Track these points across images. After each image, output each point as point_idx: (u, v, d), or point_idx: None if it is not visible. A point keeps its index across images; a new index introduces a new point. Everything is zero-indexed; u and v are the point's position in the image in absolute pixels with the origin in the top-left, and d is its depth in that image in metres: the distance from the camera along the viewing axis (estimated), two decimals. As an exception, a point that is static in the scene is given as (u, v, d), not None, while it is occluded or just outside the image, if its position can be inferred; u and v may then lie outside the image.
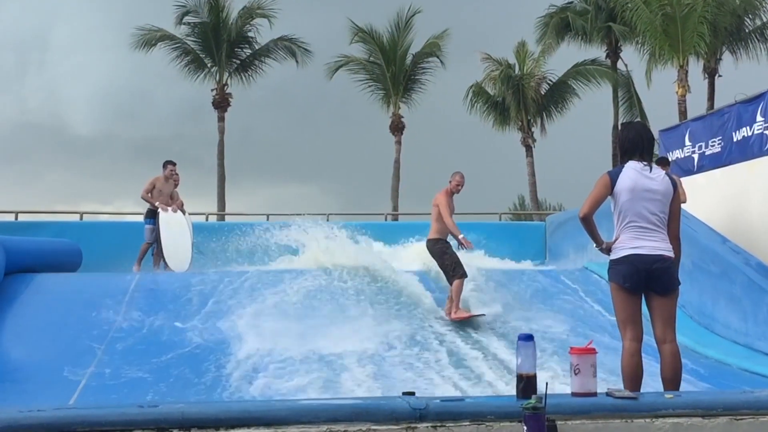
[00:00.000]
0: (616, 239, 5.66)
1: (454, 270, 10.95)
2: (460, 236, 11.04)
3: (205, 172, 44.52)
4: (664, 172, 5.78)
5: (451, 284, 11.01)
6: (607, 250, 5.71)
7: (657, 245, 5.55)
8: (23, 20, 52.75)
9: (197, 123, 48.59)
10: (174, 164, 14.83)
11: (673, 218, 5.70)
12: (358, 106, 42.62)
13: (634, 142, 5.77)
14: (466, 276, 11.05)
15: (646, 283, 5.53)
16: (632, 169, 5.66)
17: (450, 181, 11.46)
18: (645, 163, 5.70)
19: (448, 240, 11.25)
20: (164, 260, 14.28)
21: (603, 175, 5.75)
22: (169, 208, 14.48)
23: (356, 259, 12.62)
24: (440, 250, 11.16)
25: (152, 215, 14.47)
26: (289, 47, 30.45)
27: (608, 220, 5.81)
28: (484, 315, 10.90)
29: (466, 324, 10.94)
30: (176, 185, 15.08)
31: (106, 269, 14.24)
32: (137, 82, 48.53)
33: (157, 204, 14.38)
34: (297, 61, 30.44)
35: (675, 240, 5.70)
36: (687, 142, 14.86)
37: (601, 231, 5.81)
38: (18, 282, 11.68)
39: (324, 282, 12.05)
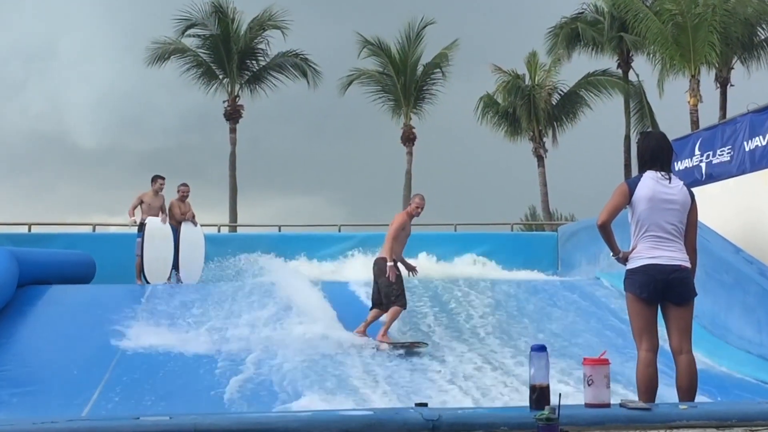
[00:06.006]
0: (633, 249, 5.63)
1: (397, 297, 10.39)
2: (389, 264, 10.46)
3: (212, 183, 44.63)
4: (681, 182, 5.75)
5: (386, 309, 10.44)
6: (624, 260, 5.68)
7: (674, 255, 5.52)
8: (32, 30, 53.08)
9: (205, 134, 48.73)
10: (163, 178, 14.85)
11: (690, 229, 5.67)
12: (368, 117, 42.69)
13: (654, 152, 5.73)
14: (406, 308, 10.63)
15: (662, 293, 5.49)
16: (651, 179, 5.63)
17: (410, 203, 11.10)
18: (664, 173, 5.67)
19: (398, 264, 10.73)
20: (144, 275, 14.37)
21: (621, 184, 5.73)
22: (157, 218, 14.54)
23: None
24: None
25: (142, 229, 14.52)
26: (300, 65, 30.50)
27: (622, 229, 5.79)
28: (408, 346, 10.24)
29: (477, 334, 10.92)
30: (186, 197, 15.11)
31: (119, 280, 14.29)
32: (144, 92, 48.81)
33: (135, 219, 14.48)
34: (308, 82, 30.53)
35: (692, 251, 5.67)
36: (696, 152, 14.81)
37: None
38: (32, 293, 11.73)
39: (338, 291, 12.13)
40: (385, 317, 10.46)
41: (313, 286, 12.50)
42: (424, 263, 15.16)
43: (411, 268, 11.12)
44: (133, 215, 14.63)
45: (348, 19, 49.55)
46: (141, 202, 14.64)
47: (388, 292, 10.39)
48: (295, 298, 11.65)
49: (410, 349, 10.17)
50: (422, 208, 10.90)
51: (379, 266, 10.63)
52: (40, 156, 53.41)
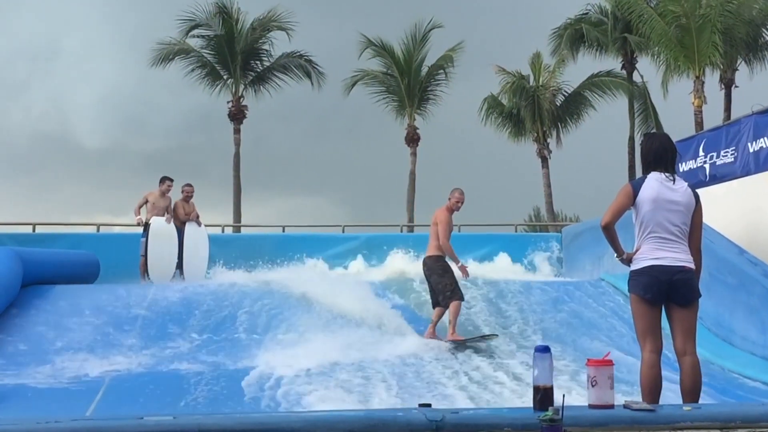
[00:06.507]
0: (637, 250, 5.63)
1: (452, 291, 10.47)
2: (459, 264, 10.66)
3: (215, 183, 44.66)
4: (686, 183, 5.74)
5: (445, 306, 10.54)
6: (628, 261, 5.67)
7: (678, 256, 5.52)
8: (35, 31, 53.19)
9: (208, 134, 48.73)
10: (171, 180, 14.87)
11: (695, 230, 5.67)
12: (372, 118, 42.71)
13: (658, 153, 5.73)
14: (464, 299, 10.69)
15: (666, 294, 5.49)
16: (655, 180, 5.63)
17: (449, 198, 10.96)
18: (668, 174, 5.66)
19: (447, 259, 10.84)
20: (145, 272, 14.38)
21: (625, 185, 5.73)
22: (162, 218, 14.56)
23: None
24: (442, 269, 10.66)
25: (147, 229, 14.54)
26: (305, 66, 30.51)
27: (626, 231, 5.78)
28: (480, 340, 10.46)
29: (478, 334, 10.91)
30: (190, 197, 15.14)
31: (123, 280, 14.30)
32: (147, 92, 48.89)
33: (141, 219, 14.52)
34: (312, 83, 30.53)
35: (697, 252, 5.66)
36: (700, 153, 14.80)
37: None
38: (35, 293, 11.74)
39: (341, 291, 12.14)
40: (448, 315, 10.53)
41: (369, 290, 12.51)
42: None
43: (463, 270, 11.06)
44: (139, 214, 14.66)
45: (352, 20, 49.55)
46: (146, 201, 14.67)
47: (442, 289, 10.53)
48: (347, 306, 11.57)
49: (483, 341, 10.37)
50: (462, 203, 10.90)
51: (428, 265, 10.75)
52: (44, 156, 53.52)
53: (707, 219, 6.61)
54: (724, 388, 8.42)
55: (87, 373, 9.16)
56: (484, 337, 10.53)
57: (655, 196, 5.57)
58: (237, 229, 24.52)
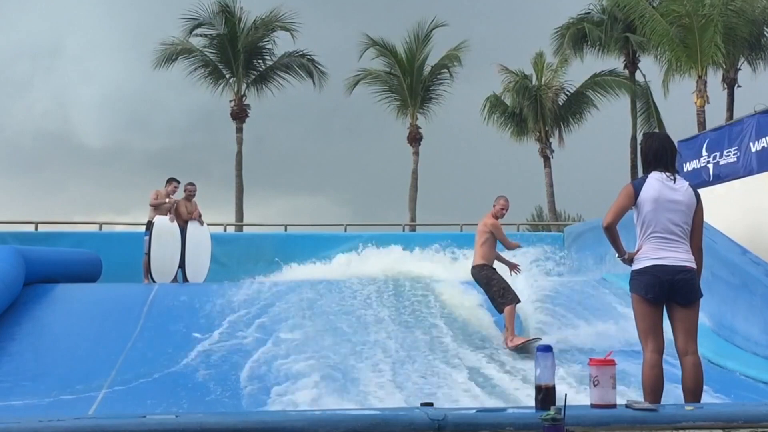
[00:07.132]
0: (638, 250, 5.63)
1: (502, 297, 10.39)
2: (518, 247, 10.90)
3: (217, 182, 44.70)
4: (687, 183, 5.74)
5: (501, 312, 10.49)
6: (630, 261, 5.67)
7: (680, 256, 5.52)
8: (38, 29, 53.25)
9: (211, 133, 48.79)
10: (178, 182, 14.85)
11: (696, 230, 5.67)
12: (374, 117, 42.72)
13: (658, 153, 5.73)
14: (518, 301, 10.54)
15: (668, 294, 5.49)
16: (656, 180, 5.63)
17: (494, 205, 10.93)
18: (669, 174, 5.66)
19: (493, 266, 10.79)
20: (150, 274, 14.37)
21: (626, 186, 5.73)
22: (165, 217, 14.54)
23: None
24: (486, 277, 10.62)
25: (150, 227, 14.52)
26: (307, 66, 30.50)
27: (627, 231, 5.78)
28: (540, 339, 10.26)
29: (482, 334, 10.91)
30: (192, 196, 15.14)
31: (125, 279, 14.30)
32: (150, 91, 48.94)
33: (168, 200, 14.45)
34: (314, 83, 30.53)
35: (698, 251, 5.67)
36: (704, 153, 14.81)
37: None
38: (38, 292, 11.75)
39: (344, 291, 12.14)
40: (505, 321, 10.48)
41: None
42: (430, 264, 15.17)
43: (513, 266, 11.04)
44: (165, 198, 14.57)
45: (354, 19, 49.67)
46: (156, 197, 14.66)
47: (492, 297, 10.54)
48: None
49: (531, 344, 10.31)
50: (507, 210, 10.92)
51: (474, 276, 10.82)
52: (47, 155, 53.63)
53: (710, 219, 6.61)
54: (726, 388, 8.41)
55: (89, 371, 9.16)
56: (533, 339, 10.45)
57: (656, 195, 5.57)
58: (239, 228, 24.53)
